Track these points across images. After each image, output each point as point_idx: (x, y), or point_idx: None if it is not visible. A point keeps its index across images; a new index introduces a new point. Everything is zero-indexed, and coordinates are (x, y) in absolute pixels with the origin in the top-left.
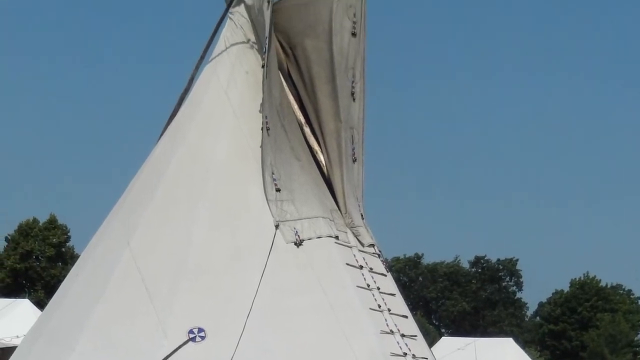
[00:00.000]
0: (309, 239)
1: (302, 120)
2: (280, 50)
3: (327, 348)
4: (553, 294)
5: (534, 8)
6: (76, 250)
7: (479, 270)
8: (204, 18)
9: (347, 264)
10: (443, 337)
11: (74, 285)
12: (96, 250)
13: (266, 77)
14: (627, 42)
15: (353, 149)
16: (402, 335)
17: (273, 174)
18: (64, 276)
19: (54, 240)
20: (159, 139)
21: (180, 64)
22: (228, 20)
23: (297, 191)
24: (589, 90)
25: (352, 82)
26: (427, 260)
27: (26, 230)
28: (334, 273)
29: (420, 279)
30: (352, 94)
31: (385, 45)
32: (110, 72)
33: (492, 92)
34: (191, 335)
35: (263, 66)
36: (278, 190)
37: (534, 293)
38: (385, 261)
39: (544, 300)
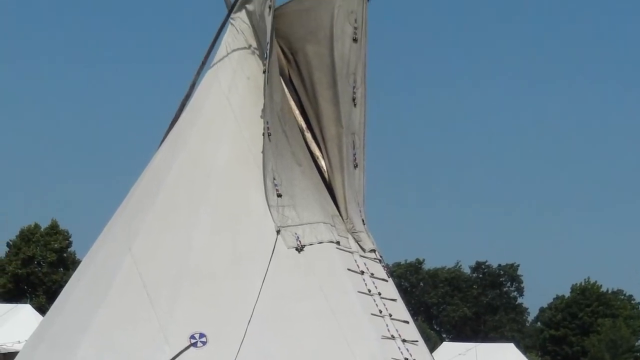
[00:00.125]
0: (310, 245)
1: (304, 125)
2: (282, 56)
3: (328, 353)
4: (554, 299)
5: (534, 14)
6: (78, 256)
7: (480, 275)
8: (206, 24)
9: (349, 270)
10: (444, 343)
11: (75, 290)
12: (98, 255)
13: (267, 82)
14: (628, 47)
15: (354, 155)
16: (404, 341)
17: (274, 179)
18: (66, 281)
19: (56, 245)
20: (161, 144)
21: (181, 69)
22: (229, 25)
23: (299, 197)
24: (589, 96)
25: (354, 87)
26: (428, 265)
27: (28, 236)
28: (335, 278)
29: (422, 284)
30: (354, 99)
31: (387, 50)
32: (112, 78)
33: (492, 98)
34: (192, 341)
35: (264, 72)
36: (279, 195)
37: (535, 298)
38: (386, 266)
39: (545, 305)
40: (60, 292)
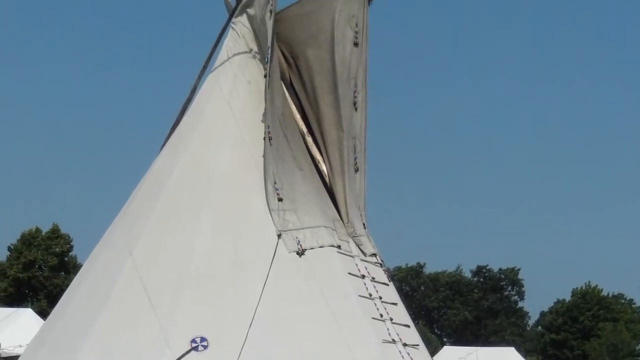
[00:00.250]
0: (311, 249)
1: (305, 129)
2: (283, 60)
3: (329, 357)
4: (555, 303)
5: (534, 15)
6: (79, 260)
7: (481, 279)
8: (207, 28)
9: (349, 274)
10: (445, 347)
11: (76, 294)
12: (99, 259)
13: (268, 86)
14: (629, 48)
15: (355, 159)
16: (404, 345)
17: (275, 183)
18: (67, 286)
19: (57, 249)
20: (162, 148)
21: (183, 73)
22: (230, 30)
23: (300, 201)
24: (590, 98)
25: (354, 91)
26: (429, 269)
27: (29, 240)
28: (336, 282)
29: (422, 288)
30: (354, 103)
31: (387, 54)
32: (113, 82)
33: (493, 101)
34: (193, 345)
35: (265, 76)
36: (280, 199)
37: (536, 302)
38: (387, 270)
39: (546, 309)
40: (61, 296)
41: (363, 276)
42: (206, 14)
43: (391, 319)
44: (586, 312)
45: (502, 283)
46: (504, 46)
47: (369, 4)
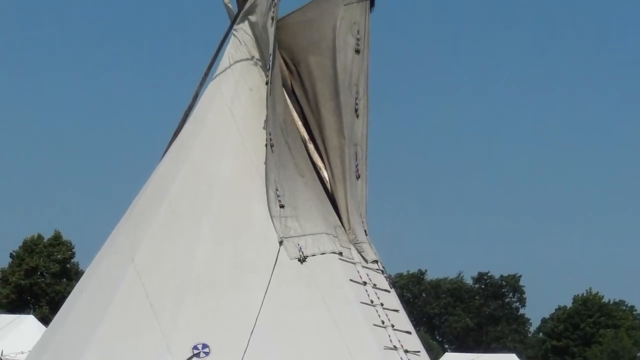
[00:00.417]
0: (313, 255)
1: (306, 136)
2: (284, 67)
3: None
4: (556, 310)
5: (535, 22)
6: (81, 267)
7: (482, 286)
8: (208, 35)
9: (351, 280)
10: (446, 353)
11: (78, 301)
12: (101, 266)
13: (270, 93)
14: (629, 54)
15: (357, 166)
16: (406, 351)
17: (277, 190)
18: (69, 292)
19: (59, 256)
20: (164, 155)
21: (184, 80)
22: (232, 37)
23: (301, 207)
24: (592, 105)
25: (356, 98)
26: (431, 276)
27: (31, 247)
28: (337, 289)
29: (424, 295)
30: (356, 110)
31: (389, 61)
32: (115, 89)
33: (494, 108)
34: (195, 351)
35: (267, 83)
36: (282, 206)
37: (537, 309)
38: (388, 277)
39: (547, 316)
40: (63, 302)
41: (364, 283)
42: (208, 21)
43: (393, 326)
44: (587, 318)
45: (503, 290)
46: (505, 53)
47: (370, 11)
